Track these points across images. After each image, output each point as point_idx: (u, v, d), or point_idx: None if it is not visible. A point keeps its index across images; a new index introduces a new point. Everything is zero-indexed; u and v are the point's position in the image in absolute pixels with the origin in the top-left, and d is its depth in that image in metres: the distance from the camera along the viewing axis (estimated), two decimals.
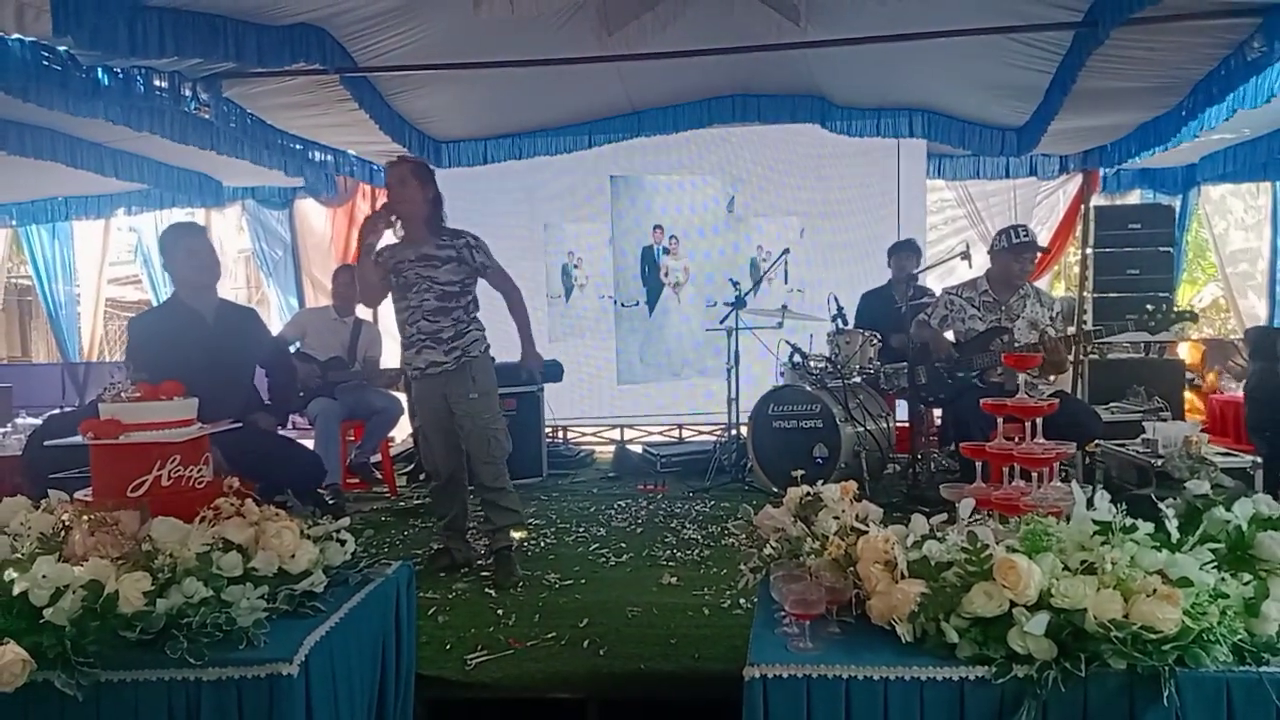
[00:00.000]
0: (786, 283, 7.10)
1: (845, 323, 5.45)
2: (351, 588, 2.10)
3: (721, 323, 5.63)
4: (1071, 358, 4.71)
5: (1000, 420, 2.25)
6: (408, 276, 3.53)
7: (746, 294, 5.65)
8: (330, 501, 4.46)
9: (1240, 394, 6.44)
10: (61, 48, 3.70)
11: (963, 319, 4.35)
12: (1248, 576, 1.70)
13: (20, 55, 3.57)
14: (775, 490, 4.65)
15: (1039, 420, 2.16)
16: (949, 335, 4.44)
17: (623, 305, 7.39)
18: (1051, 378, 4.05)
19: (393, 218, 3.52)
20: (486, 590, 3.41)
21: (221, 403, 2.78)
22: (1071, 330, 4.31)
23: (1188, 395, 6.64)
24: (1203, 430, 4.38)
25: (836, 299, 5.58)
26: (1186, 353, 7.23)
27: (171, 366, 2.42)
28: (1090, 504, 1.82)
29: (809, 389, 5.04)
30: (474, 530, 3.93)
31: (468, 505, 3.80)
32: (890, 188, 7.17)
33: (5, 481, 4.22)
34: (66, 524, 2.01)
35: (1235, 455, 4.30)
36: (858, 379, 5.25)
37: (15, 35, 3.51)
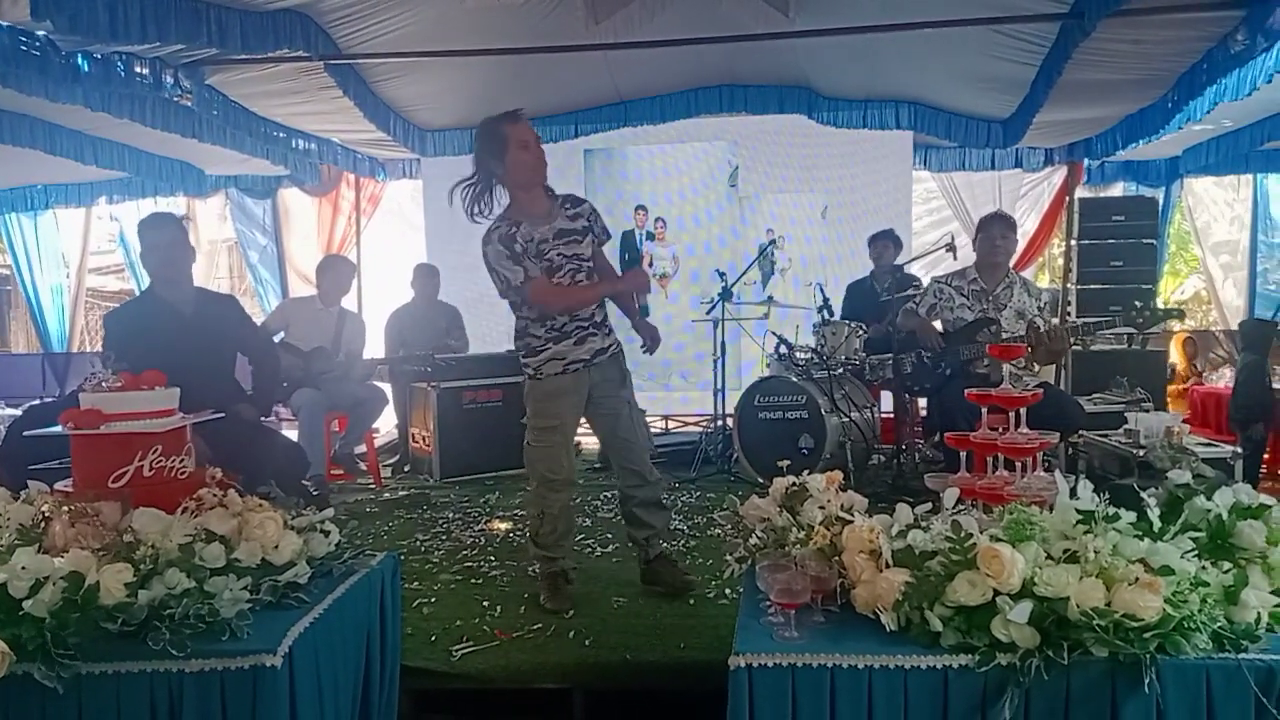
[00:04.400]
0: (774, 271, 6.43)
1: (831, 314, 5.46)
2: (336, 579, 2.09)
3: (708, 314, 5.61)
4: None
5: (984, 410, 2.26)
6: (552, 259, 2.97)
7: (733, 285, 5.62)
8: (314, 492, 4.44)
9: (1220, 385, 6.52)
10: (40, 32, 3.65)
11: (951, 308, 4.36)
12: (1228, 565, 1.71)
13: None
14: (761, 480, 4.66)
15: (1023, 410, 2.17)
16: (936, 324, 4.46)
17: None
18: (1036, 367, 4.09)
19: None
20: (472, 581, 3.41)
21: (202, 394, 2.75)
22: (1057, 321, 4.35)
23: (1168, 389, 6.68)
24: (1184, 421, 4.41)
25: (822, 289, 5.56)
26: (1175, 351, 7.26)
27: (149, 361, 2.39)
28: (1073, 493, 1.83)
29: (795, 380, 5.05)
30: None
31: None
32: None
33: None
34: (46, 515, 1.98)
35: (1216, 445, 4.33)
36: (842, 370, 5.26)
37: None
